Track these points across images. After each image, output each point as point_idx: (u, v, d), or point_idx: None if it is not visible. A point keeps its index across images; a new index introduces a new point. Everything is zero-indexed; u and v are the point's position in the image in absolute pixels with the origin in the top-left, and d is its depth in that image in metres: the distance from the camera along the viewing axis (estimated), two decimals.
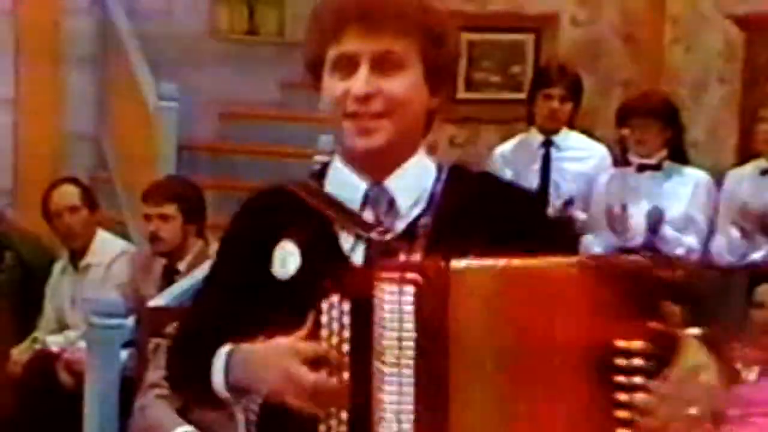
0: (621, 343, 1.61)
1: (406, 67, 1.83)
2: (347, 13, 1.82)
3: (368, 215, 1.87)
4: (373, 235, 1.84)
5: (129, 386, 4.08)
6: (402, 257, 1.77)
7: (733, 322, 4.32)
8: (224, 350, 1.85)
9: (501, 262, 1.67)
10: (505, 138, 5.51)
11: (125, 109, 5.92)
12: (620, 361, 1.61)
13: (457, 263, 1.68)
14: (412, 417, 1.68)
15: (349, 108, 1.83)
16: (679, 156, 4.94)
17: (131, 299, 4.59)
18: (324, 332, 1.73)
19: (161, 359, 3.77)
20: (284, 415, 1.77)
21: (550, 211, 4.89)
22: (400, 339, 1.68)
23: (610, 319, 1.62)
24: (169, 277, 4.69)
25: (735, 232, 4.77)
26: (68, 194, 5.11)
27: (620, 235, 4.77)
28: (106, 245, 5.10)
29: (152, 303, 4.32)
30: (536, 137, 5.11)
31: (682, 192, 4.88)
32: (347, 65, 1.83)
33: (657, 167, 4.89)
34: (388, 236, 1.83)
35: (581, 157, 5.12)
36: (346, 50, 1.82)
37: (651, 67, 6.30)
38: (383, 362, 1.68)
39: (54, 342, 4.91)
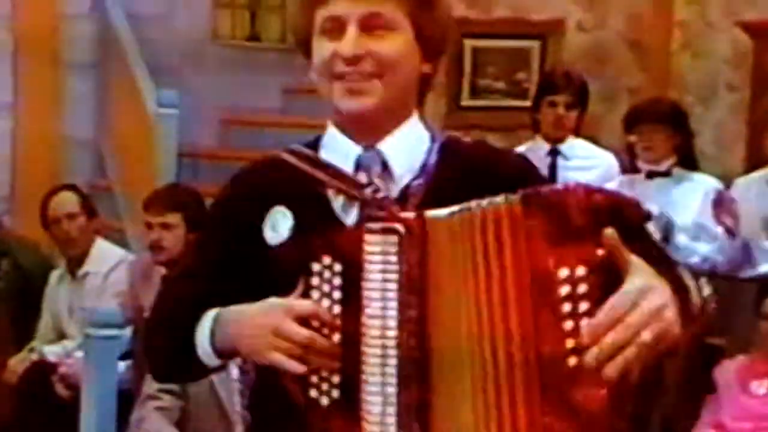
0: (564, 272, 1.58)
1: (395, 29, 1.82)
2: None
3: (362, 179, 1.85)
4: (365, 194, 1.82)
5: (126, 398, 4.07)
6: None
7: (743, 335, 4.32)
8: (211, 314, 1.83)
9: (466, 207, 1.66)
10: (509, 146, 5.49)
11: (125, 115, 5.91)
12: (565, 289, 1.58)
13: (433, 213, 1.68)
14: (395, 371, 1.67)
15: (337, 69, 1.82)
16: (689, 162, 4.90)
17: (130, 309, 4.57)
18: (315, 294, 1.71)
19: None
20: (274, 385, 1.75)
21: None
22: (384, 290, 1.67)
23: (551, 249, 1.60)
24: None
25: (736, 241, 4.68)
26: (67, 201, 5.10)
27: None
28: (104, 253, 5.09)
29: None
30: (542, 146, 5.06)
31: (692, 199, 4.81)
32: (335, 27, 1.82)
33: (666, 174, 4.84)
34: (380, 196, 1.82)
35: (588, 166, 5.07)
36: (334, 12, 1.81)
37: (658, 73, 6.30)
38: (368, 316, 1.67)
39: (51, 352, 4.89)
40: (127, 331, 4.20)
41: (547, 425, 1.58)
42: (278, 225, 1.84)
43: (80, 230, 5.06)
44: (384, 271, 1.68)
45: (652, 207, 4.67)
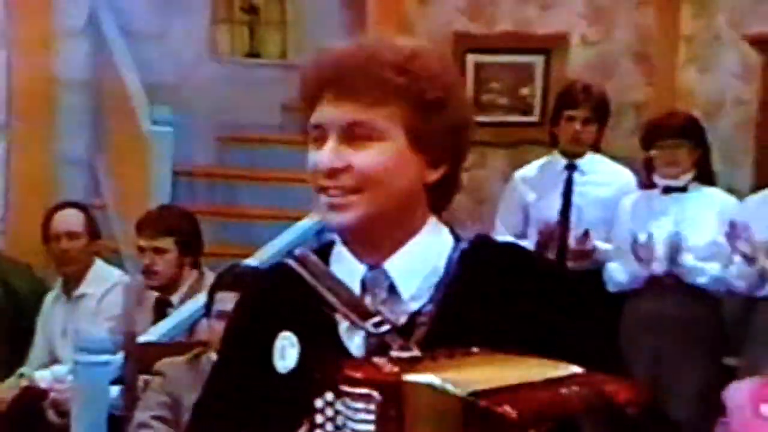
0: None
1: (383, 139, 1.70)
2: (323, 77, 1.73)
3: (368, 301, 1.76)
4: (368, 326, 1.71)
5: (117, 425, 4.05)
6: (377, 363, 1.63)
7: (757, 355, 4.34)
8: None
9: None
10: (513, 161, 5.43)
11: (120, 133, 5.93)
12: None
13: (412, 377, 1.57)
14: None
15: (319, 182, 1.73)
16: (706, 177, 4.93)
17: (122, 334, 4.56)
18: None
19: (150, 398, 3.83)
20: None
21: (570, 241, 4.89)
22: None
23: None
24: (162, 309, 4.71)
25: (746, 264, 4.66)
26: (70, 219, 5.13)
27: (645, 264, 4.73)
28: (101, 275, 5.10)
29: (142, 339, 4.31)
30: (559, 160, 5.09)
31: (709, 215, 4.83)
32: (320, 136, 1.73)
33: (683, 189, 4.86)
34: (384, 328, 1.70)
35: (605, 182, 5.10)
36: (317, 119, 1.73)
37: (664, 88, 6.26)
38: None
39: (41, 378, 4.85)
40: (119, 357, 4.13)
41: None
42: (286, 353, 1.78)
43: (80, 251, 5.09)
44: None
45: (666, 223, 4.74)
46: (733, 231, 4.58)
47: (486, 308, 1.69)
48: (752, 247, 4.56)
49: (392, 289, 1.75)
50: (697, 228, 4.81)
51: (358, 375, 1.63)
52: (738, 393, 4.22)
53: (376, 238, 1.75)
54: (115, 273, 5.12)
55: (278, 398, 1.75)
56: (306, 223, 4.95)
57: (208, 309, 3.90)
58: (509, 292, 1.74)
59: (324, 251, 1.84)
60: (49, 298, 5.21)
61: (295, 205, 5.20)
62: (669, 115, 5.23)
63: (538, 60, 6.14)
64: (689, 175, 4.85)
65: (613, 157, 5.28)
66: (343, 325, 1.76)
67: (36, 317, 5.21)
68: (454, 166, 1.77)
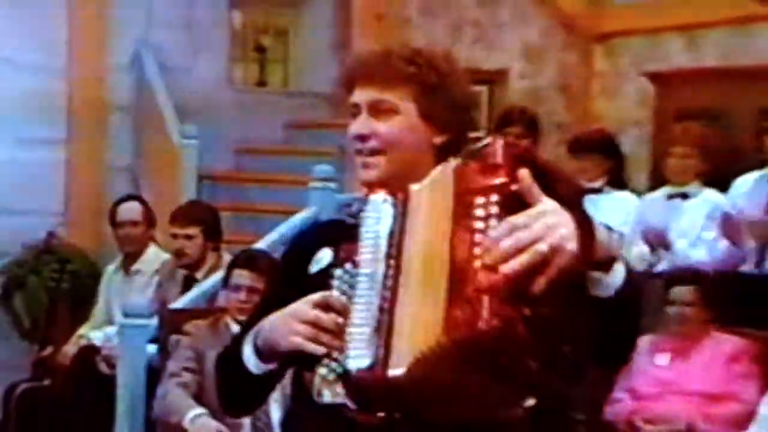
0: (481, 199, 1.54)
1: (399, 113, 1.80)
2: (354, 72, 1.84)
3: None
4: None
5: (154, 375, 4.09)
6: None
7: (654, 318, 4.28)
8: (252, 330, 1.81)
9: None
10: None
11: (156, 146, 5.92)
12: (479, 211, 1.53)
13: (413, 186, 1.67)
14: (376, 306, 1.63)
15: (354, 146, 1.82)
16: (619, 183, 4.95)
17: (157, 302, 4.63)
18: (335, 294, 1.68)
19: (180, 353, 3.87)
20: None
21: None
22: (374, 254, 1.66)
23: (475, 182, 1.56)
24: (189, 283, 4.70)
25: (645, 247, 4.74)
26: (132, 210, 5.08)
27: None
28: (154, 257, 5.07)
29: (172, 306, 4.34)
30: None
31: (616, 212, 4.83)
32: (356, 111, 1.82)
33: (598, 191, 4.87)
34: None
35: None
36: (354, 99, 1.82)
37: (581, 113, 6.35)
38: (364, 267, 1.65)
39: (95, 337, 4.90)
40: (155, 321, 4.21)
41: (451, 315, 1.50)
42: (321, 260, 1.82)
43: (139, 235, 5.05)
44: (376, 239, 1.67)
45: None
46: (646, 233, 4.65)
47: None
48: (655, 238, 4.64)
49: None
50: (607, 220, 4.86)
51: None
52: (639, 346, 4.09)
53: (392, 187, 1.76)
54: (165, 256, 5.05)
55: (308, 293, 1.72)
56: (301, 216, 4.93)
57: (225, 283, 3.93)
58: None
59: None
60: (110, 270, 5.16)
61: (294, 203, 5.21)
62: (587, 131, 5.30)
63: (483, 89, 6.18)
64: (601, 181, 4.86)
65: None
66: None
67: (91, 293, 5.22)
68: (458, 133, 1.81)
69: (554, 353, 1.56)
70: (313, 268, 1.81)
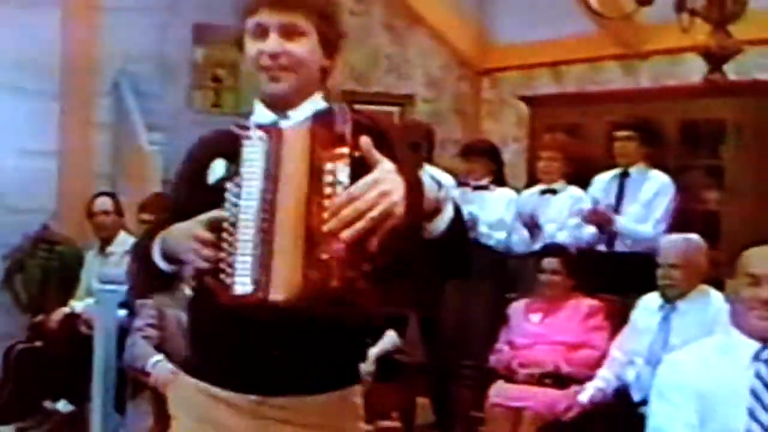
0: (329, 165, 1.48)
1: (305, 35, 1.69)
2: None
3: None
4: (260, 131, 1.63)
5: (124, 333, 3.99)
6: None
7: (531, 283, 4.34)
8: (163, 232, 1.69)
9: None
10: None
11: (130, 156, 5.80)
12: (329, 178, 1.47)
13: (286, 125, 1.57)
14: (254, 236, 1.52)
15: (263, 62, 1.68)
16: (500, 181, 5.00)
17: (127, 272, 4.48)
18: (227, 205, 1.56)
19: (144, 312, 3.78)
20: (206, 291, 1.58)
21: None
22: (249, 183, 1.55)
23: (325, 150, 1.49)
24: None
25: (525, 232, 4.78)
26: (104, 203, 5.06)
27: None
28: (124, 240, 4.95)
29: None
30: None
31: (501, 202, 4.90)
32: (260, 32, 1.68)
33: (485, 187, 4.91)
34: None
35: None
36: (260, 20, 1.68)
37: (473, 131, 6.38)
38: (241, 204, 1.54)
39: (78, 306, 4.85)
40: (124, 287, 3.96)
41: (307, 275, 1.47)
42: (216, 170, 1.67)
43: (111, 223, 4.99)
44: (251, 170, 1.55)
45: (472, 208, 4.77)
46: (522, 216, 4.69)
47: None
48: (530, 221, 4.67)
49: None
50: (491, 210, 4.86)
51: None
52: (517, 307, 4.29)
53: (291, 100, 1.70)
54: (133, 239, 4.87)
55: (208, 204, 1.61)
56: None
57: None
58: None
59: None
60: (90, 254, 5.10)
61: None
62: (475, 140, 5.43)
63: (396, 110, 6.20)
64: (487, 179, 4.91)
65: (442, 169, 5.38)
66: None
67: (76, 273, 5.13)
68: (335, 58, 1.75)
69: (392, 287, 1.57)
70: (210, 178, 1.67)
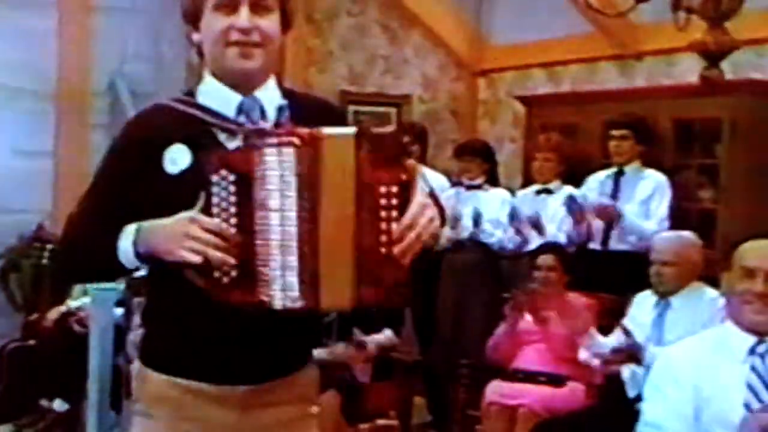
0: (383, 188, 1.50)
1: (273, 11, 1.65)
2: None
3: (242, 120, 1.62)
4: (246, 128, 1.60)
5: (120, 332, 4.00)
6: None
7: (524, 279, 4.35)
8: (132, 227, 1.58)
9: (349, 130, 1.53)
10: None
11: None
12: (383, 201, 1.50)
13: (323, 130, 1.52)
14: (295, 245, 1.49)
15: (233, 37, 1.61)
16: (495, 181, 5.00)
17: None
18: (215, 200, 1.51)
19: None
20: (176, 277, 1.53)
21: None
22: (282, 190, 1.49)
23: (375, 171, 1.50)
24: None
25: (527, 233, 4.75)
26: None
27: (454, 232, 4.74)
28: None
29: (135, 274, 4.14)
30: None
31: (495, 201, 4.89)
32: (229, 6, 1.61)
33: (479, 187, 4.90)
34: (261, 125, 1.62)
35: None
36: None
37: (469, 131, 6.35)
38: (270, 209, 1.48)
39: (72, 306, 4.80)
40: (121, 286, 4.08)
41: (361, 292, 1.51)
42: (177, 158, 1.59)
43: None
44: (282, 175, 1.49)
45: (468, 207, 4.80)
46: (513, 215, 4.67)
47: (311, 122, 1.58)
48: (522, 223, 4.66)
49: (262, 112, 1.64)
50: (485, 210, 4.84)
51: (280, 130, 1.53)
52: (511, 305, 4.17)
53: (258, 78, 1.64)
54: None
55: (173, 195, 1.55)
56: None
57: None
58: (315, 113, 1.67)
59: (189, 95, 1.66)
60: None
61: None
62: (470, 140, 5.38)
63: (392, 111, 6.17)
64: (481, 179, 4.91)
65: (438, 170, 5.36)
66: (222, 136, 1.61)
67: None
68: (286, 35, 1.71)
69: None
70: (171, 168, 1.59)
